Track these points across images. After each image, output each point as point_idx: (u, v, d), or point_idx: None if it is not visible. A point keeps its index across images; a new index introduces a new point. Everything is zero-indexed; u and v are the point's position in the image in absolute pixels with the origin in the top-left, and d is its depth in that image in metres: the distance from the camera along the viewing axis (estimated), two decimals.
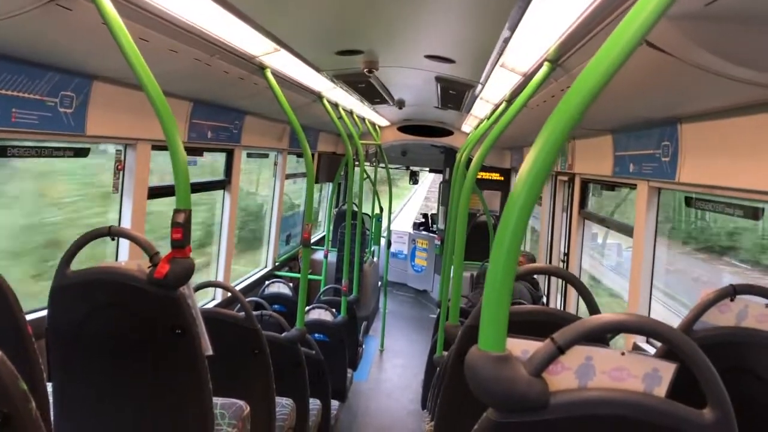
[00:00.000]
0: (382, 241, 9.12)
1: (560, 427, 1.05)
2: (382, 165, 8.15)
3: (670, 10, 0.99)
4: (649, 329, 1.07)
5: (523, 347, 1.08)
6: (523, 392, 1.03)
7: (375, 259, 9.02)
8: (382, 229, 9.31)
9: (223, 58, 2.85)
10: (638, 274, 3.36)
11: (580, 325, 1.05)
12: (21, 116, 2.40)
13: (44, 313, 2.16)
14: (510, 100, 3.52)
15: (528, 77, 2.87)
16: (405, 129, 8.40)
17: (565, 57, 2.37)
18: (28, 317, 1.79)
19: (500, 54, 2.69)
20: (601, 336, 1.07)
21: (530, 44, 2.41)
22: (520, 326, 1.15)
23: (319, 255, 7.72)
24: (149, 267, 1.99)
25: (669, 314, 3.75)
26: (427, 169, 12.83)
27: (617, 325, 1.10)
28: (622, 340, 3.34)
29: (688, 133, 2.72)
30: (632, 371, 1.07)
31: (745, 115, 2.23)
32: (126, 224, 3.42)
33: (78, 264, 2.13)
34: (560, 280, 5.29)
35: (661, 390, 1.07)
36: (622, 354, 1.07)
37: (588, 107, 1.04)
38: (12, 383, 0.99)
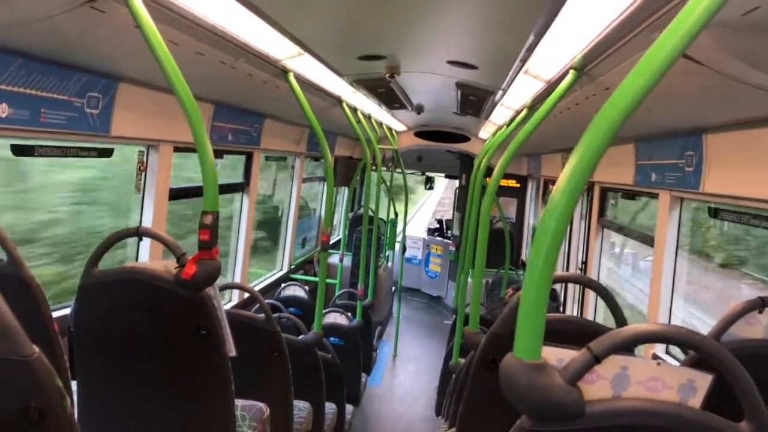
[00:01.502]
0: (397, 246, 9.11)
1: None
2: (399, 170, 8.15)
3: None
4: (687, 340, 1.06)
5: (558, 356, 1.08)
6: (559, 401, 1.03)
7: (389, 264, 9.02)
8: (397, 233, 9.30)
9: (247, 61, 2.88)
10: (659, 284, 3.33)
11: (617, 335, 1.05)
12: (50, 116, 2.43)
13: (67, 311, 2.17)
14: (531, 107, 3.51)
15: (552, 84, 2.86)
16: (421, 134, 8.39)
17: (591, 65, 2.36)
18: (54, 314, 1.82)
19: (524, 61, 2.69)
20: (630, 346, 1.07)
21: (555, 52, 2.41)
22: (549, 334, 1.15)
23: (334, 259, 7.74)
24: (176, 268, 2.00)
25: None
26: (443, 174, 12.80)
27: (654, 335, 1.10)
28: (641, 350, 3.31)
29: (713, 143, 2.70)
30: (667, 382, 1.07)
31: None
32: (147, 225, 3.45)
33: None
34: (576, 289, 5.26)
35: (696, 401, 1.06)
36: (658, 364, 1.07)
37: (626, 120, 1.04)
38: (49, 380, 1.01)
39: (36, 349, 1.01)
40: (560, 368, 1.06)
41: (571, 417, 1.04)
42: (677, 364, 1.74)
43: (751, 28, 1.40)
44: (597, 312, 4.70)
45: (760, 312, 1.74)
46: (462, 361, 3.69)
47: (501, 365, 1.08)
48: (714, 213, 2.91)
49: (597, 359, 1.04)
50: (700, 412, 1.05)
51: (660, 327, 1.11)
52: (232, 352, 2.11)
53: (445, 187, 22.86)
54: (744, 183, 2.47)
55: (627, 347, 1.05)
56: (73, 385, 2.11)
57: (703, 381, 1.06)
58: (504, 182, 8.46)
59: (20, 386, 0.98)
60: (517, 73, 2.94)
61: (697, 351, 1.07)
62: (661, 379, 1.07)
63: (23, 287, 1.77)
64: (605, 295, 2.14)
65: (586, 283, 2.29)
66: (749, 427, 1.03)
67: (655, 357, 3.22)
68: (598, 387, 1.06)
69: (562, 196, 1.07)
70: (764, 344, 1.71)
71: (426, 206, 25.28)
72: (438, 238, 11.62)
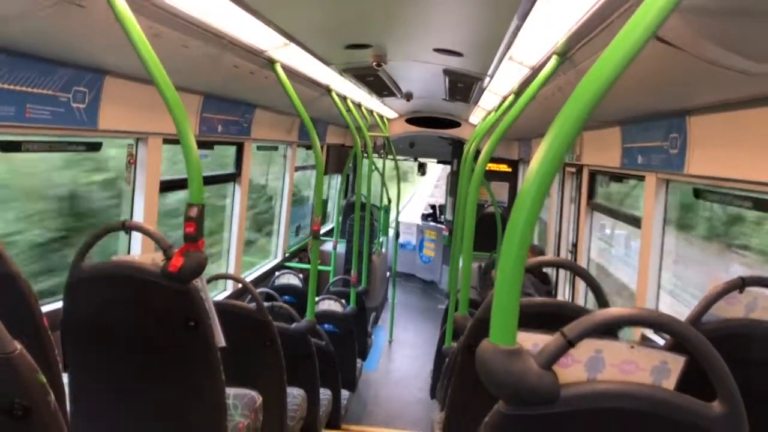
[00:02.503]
0: (390, 232, 9.13)
1: (570, 420, 1.06)
2: (391, 156, 8.16)
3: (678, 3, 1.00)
4: (658, 322, 1.09)
5: (533, 340, 1.10)
6: (534, 385, 1.05)
7: (383, 250, 9.05)
8: (391, 220, 9.32)
9: (233, 53, 2.87)
10: (646, 265, 3.36)
11: (590, 319, 1.07)
12: (35, 112, 2.43)
13: (59, 304, 2.19)
14: (518, 93, 3.52)
15: (536, 70, 2.88)
16: (413, 121, 8.39)
17: (573, 50, 2.37)
18: (44, 309, 1.83)
19: (508, 47, 2.70)
20: (603, 330, 1.09)
21: (538, 38, 2.42)
22: (529, 318, 1.17)
23: (328, 246, 7.75)
24: (163, 260, 2.01)
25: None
26: (435, 160, 12.81)
27: (626, 318, 1.11)
28: (630, 331, 3.35)
29: (697, 125, 2.72)
30: (641, 364, 1.09)
31: (754, 107, 2.23)
32: (138, 218, 3.46)
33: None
34: (569, 272, 5.30)
35: (669, 383, 1.08)
36: (632, 347, 1.09)
37: (599, 101, 1.05)
38: (31, 376, 1.02)
39: (18, 345, 1.01)
40: (535, 353, 1.08)
41: (546, 401, 1.06)
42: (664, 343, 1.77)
43: (723, 12, 1.42)
44: (588, 295, 4.74)
45: (740, 292, 1.76)
46: (455, 344, 3.72)
47: (477, 351, 1.10)
48: (698, 194, 2.94)
49: (571, 343, 1.05)
50: (673, 393, 1.07)
51: (633, 310, 1.13)
52: (221, 342, 2.13)
53: (439, 175, 22.75)
54: (727, 164, 2.49)
55: (600, 331, 1.07)
56: (65, 378, 2.13)
57: (676, 363, 1.08)
58: (495, 167, 8.47)
59: (2, 383, 0.99)
60: (502, 59, 2.95)
61: (669, 333, 1.09)
62: (635, 362, 1.09)
63: (10, 282, 1.77)
64: (586, 276, 2.16)
65: (564, 265, 2.29)
66: (721, 407, 1.05)
67: (644, 338, 3.26)
68: (572, 371, 1.08)
69: (535, 180, 1.07)
70: (744, 324, 1.74)
71: (419, 193, 25.24)
72: (431, 224, 11.65)
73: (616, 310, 1.11)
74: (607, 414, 1.07)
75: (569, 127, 1.06)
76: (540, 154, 1.08)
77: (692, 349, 1.06)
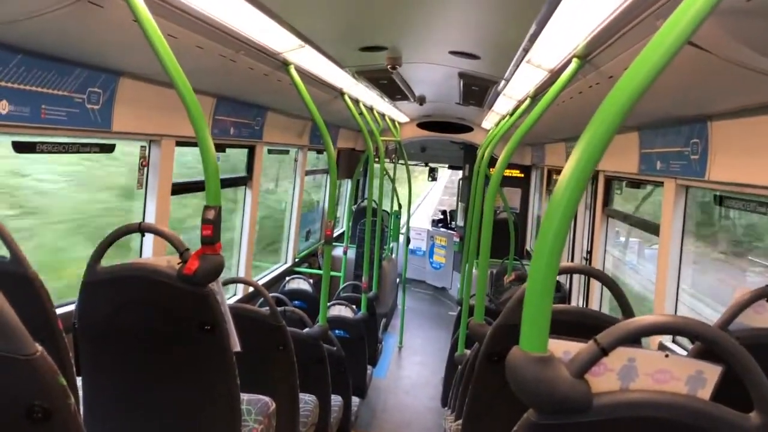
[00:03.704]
0: (401, 238, 9.11)
1: (603, 429, 1.04)
2: (402, 161, 8.14)
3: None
4: (695, 331, 1.05)
5: (564, 348, 1.07)
6: (566, 394, 1.02)
7: (394, 255, 9.03)
8: (401, 225, 9.30)
9: (248, 55, 2.86)
10: (665, 273, 3.31)
11: (624, 327, 1.04)
12: (50, 113, 2.42)
13: (72, 307, 2.17)
14: (534, 97, 3.49)
15: (554, 73, 2.84)
16: (424, 125, 8.37)
17: (594, 54, 2.34)
18: (58, 311, 1.81)
19: (526, 50, 2.66)
20: (637, 338, 1.06)
21: (558, 41, 2.39)
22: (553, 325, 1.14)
23: (338, 251, 7.73)
24: (179, 263, 1.99)
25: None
26: (446, 165, 12.79)
27: (661, 326, 1.08)
28: (646, 339, 3.30)
29: (719, 130, 2.68)
30: (675, 373, 1.06)
31: None
32: (150, 220, 3.45)
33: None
34: (581, 279, 5.25)
35: (705, 393, 1.05)
36: (666, 356, 1.06)
37: (632, 108, 1.03)
38: (52, 379, 1.00)
39: (39, 347, 1.00)
40: (567, 361, 1.05)
41: (578, 410, 1.03)
42: (684, 353, 1.73)
43: (756, 14, 1.38)
44: (603, 302, 4.69)
45: None
46: (468, 352, 3.68)
47: (507, 358, 1.07)
48: (720, 201, 2.89)
49: (604, 351, 1.03)
50: (709, 404, 1.04)
51: (668, 318, 1.10)
52: (237, 347, 2.10)
53: (448, 179, 22.74)
54: (750, 170, 2.45)
55: (635, 339, 1.04)
56: (78, 381, 2.11)
57: (713, 372, 1.05)
58: (507, 172, 8.43)
59: (23, 386, 0.97)
60: (520, 62, 2.92)
61: (706, 342, 1.06)
62: (670, 371, 1.06)
63: (26, 284, 1.76)
64: (611, 285, 2.12)
65: (593, 273, 2.27)
66: (759, 418, 1.02)
67: (662, 346, 3.21)
68: (605, 379, 1.05)
69: (567, 187, 1.06)
70: None
71: (429, 198, 25.25)
72: (442, 230, 11.62)
73: (651, 317, 1.08)
74: (641, 424, 1.04)
75: (601, 134, 1.04)
76: (572, 163, 1.06)
77: (730, 358, 1.02)
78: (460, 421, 2.38)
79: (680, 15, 0.99)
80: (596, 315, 2.02)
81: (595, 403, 1.03)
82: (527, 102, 3.62)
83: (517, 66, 3.05)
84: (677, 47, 0.99)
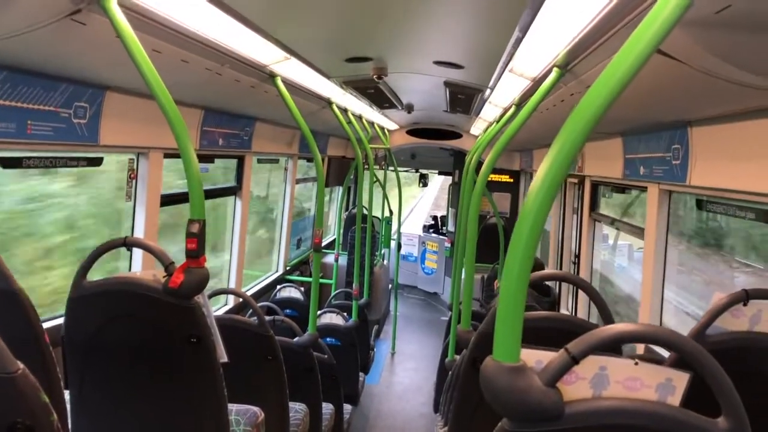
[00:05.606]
0: (392, 244, 9.13)
1: None
2: (392, 168, 8.17)
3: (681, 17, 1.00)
4: (663, 339, 1.08)
5: (537, 357, 1.09)
6: (538, 403, 1.04)
7: (385, 262, 9.04)
8: (392, 232, 9.31)
9: (233, 68, 2.88)
10: (650, 275, 3.35)
11: (594, 336, 1.06)
12: (37, 128, 2.43)
13: (61, 321, 2.18)
14: (519, 104, 3.52)
15: (537, 82, 2.88)
16: (414, 132, 8.40)
17: (574, 63, 2.37)
18: (45, 325, 1.82)
19: (509, 60, 2.70)
20: (607, 347, 1.08)
21: (539, 50, 2.42)
22: (533, 332, 1.16)
23: (329, 259, 7.74)
24: (164, 277, 2.01)
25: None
26: (437, 171, 12.82)
27: (630, 335, 1.10)
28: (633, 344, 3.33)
29: (699, 136, 2.72)
30: (646, 381, 1.08)
31: (756, 119, 2.23)
32: (139, 232, 3.45)
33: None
34: (571, 284, 5.28)
35: (674, 399, 1.07)
36: (636, 363, 1.08)
37: (603, 115, 1.04)
38: (34, 396, 1.01)
39: (20, 365, 1.01)
40: (539, 370, 1.07)
41: (550, 418, 1.05)
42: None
43: (725, 25, 1.42)
44: (591, 306, 4.72)
45: (745, 304, 1.75)
46: (458, 357, 3.70)
47: (481, 368, 1.09)
48: (701, 205, 2.93)
49: (575, 360, 1.05)
50: (679, 410, 1.06)
51: (638, 327, 1.12)
52: (224, 358, 2.12)
53: (440, 186, 22.79)
54: (730, 175, 2.49)
55: (605, 348, 1.06)
56: (66, 394, 2.12)
57: (681, 379, 1.07)
58: (497, 177, 8.48)
59: (5, 403, 0.98)
60: (503, 71, 2.95)
61: (674, 350, 1.08)
62: (640, 378, 1.08)
63: (12, 300, 1.77)
64: (590, 291, 2.15)
65: (567, 279, 2.28)
66: (726, 423, 1.04)
67: (648, 349, 3.24)
68: (577, 387, 1.08)
69: (538, 193, 1.07)
70: (748, 336, 1.73)
71: (421, 204, 25.26)
72: (433, 235, 11.64)
73: (621, 326, 1.10)
74: (612, 431, 1.06)
75: (573, 140, 1.06)
76: (544, 168, 1.07)
77: (698, 366, 1.05)
78: (447, 428, 2.40)
79: (648, 24, 1.01)
80: (575, 322, 2.04)
81: (567, 411, 1.05)
82: (512, 110, 3.65)
83: (501, 75, 3.08)
84: (645, 55, 1.01)
